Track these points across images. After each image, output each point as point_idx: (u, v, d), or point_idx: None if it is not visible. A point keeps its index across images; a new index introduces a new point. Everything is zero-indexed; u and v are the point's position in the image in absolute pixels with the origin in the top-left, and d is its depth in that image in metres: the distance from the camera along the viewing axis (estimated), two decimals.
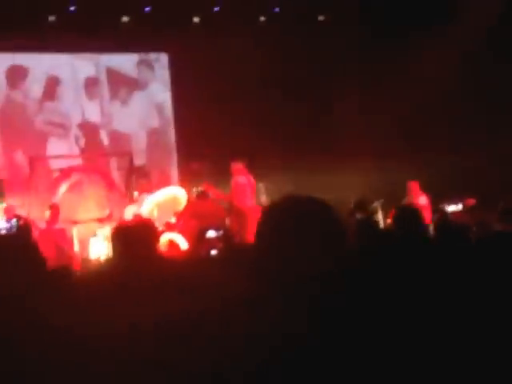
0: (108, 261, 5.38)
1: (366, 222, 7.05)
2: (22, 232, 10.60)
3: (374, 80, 14.90)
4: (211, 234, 6.52)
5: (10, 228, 11.56)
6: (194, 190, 13.42)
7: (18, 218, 11.87)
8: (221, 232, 6.60)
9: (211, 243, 6.20)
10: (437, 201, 13.19)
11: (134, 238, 5.71)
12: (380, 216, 12.92)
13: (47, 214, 12.24)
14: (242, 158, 13.45)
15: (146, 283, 4.21)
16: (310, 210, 2.36)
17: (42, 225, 12.26)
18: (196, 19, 14.78)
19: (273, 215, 2.38)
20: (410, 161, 13.90)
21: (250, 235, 12.24)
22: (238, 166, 13.40)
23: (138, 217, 12.16)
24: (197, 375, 2.28)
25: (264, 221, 2.39)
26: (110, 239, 5.37)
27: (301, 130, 15.49)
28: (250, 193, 13.48)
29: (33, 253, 3.43)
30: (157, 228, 6.31)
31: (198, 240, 6.54)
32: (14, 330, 2.96)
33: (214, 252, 5.97)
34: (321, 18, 15.59)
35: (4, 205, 12.42)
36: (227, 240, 6.39)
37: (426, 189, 13.24)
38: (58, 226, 12.22)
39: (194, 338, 2.42)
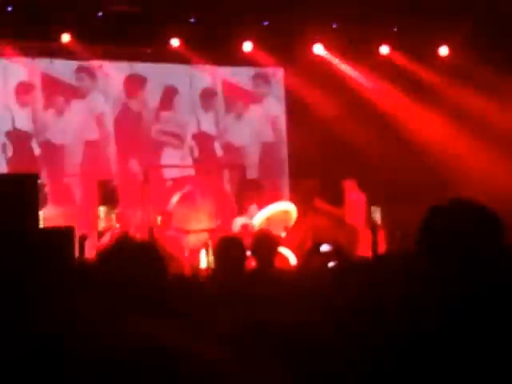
0: (215, 271, 5.38)
1: None
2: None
3: None
4: (325, 248, 6.40)
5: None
6: (305, 205, 13.44)
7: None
8: (334, 247, 6.47)
9: (325, 257, 6.11)
10: None
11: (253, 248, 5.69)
12: None
13: (159, 219, 12.48)
14: (354, 175, 13.41)
15: (259, 292, 4.15)
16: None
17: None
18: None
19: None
20: None
21: (360, 252, 12.13)
22: (350, 184, 13.43)
23: (245, 228, 12.26)
24: None
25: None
26: (215, 250, 5.35)
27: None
28: (361, 211, 13.43)
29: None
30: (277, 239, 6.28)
31: (311, 253, 6.44)
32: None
33: (330, 265, 5.87)
34: None
35: (116, 211, 12.66)
36: (340, 255, 6.27)
37: None
38: (172, 234, 12.42)
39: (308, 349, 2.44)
